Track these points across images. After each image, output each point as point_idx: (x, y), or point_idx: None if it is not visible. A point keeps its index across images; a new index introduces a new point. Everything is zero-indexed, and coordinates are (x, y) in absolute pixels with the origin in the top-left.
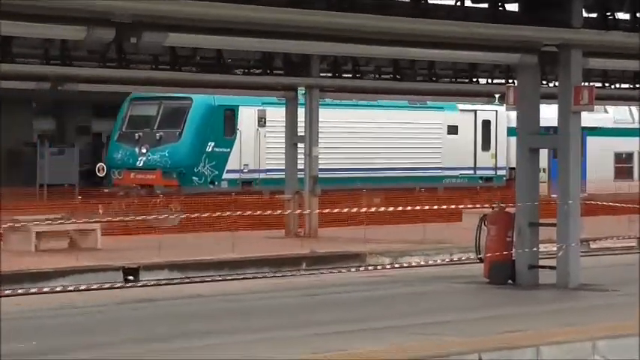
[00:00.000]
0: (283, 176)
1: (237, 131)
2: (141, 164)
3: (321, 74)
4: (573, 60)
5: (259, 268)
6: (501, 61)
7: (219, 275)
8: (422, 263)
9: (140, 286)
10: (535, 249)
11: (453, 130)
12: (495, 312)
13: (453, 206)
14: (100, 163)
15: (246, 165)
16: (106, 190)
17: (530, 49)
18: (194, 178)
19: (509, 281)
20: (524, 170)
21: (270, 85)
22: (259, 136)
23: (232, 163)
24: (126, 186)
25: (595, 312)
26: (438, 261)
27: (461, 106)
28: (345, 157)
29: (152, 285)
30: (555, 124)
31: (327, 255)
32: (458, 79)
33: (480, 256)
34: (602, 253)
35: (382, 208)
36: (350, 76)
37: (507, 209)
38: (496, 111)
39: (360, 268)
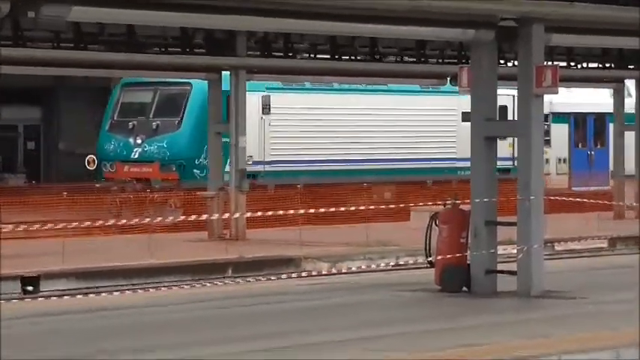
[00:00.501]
0: (290, 168)
1: None
2: (136, 156)
3: (249, 53)
4: (535, 36)
5: (180, 275)
6: (453, 37)
7: (132, 284)
8: (364, 268)
9: (40, 298)
10: (493, 251)
11: (468, 117)
12: (448, 324)
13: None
14: (90, 155)
15: (250, 157)
16: (97, 185)
17: (486, 24)
18: (195, 170)
19: (464, 288)
20: (479, 162)
21: (191, 66)
22: (264, 124)
23: None
24: (120, 180)
25: (562, 322)
26: (383, 265)
27: None
28: (347, 147)
29: (54, 296)
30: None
31: (256, 260)
32: (404, 59)
33: (430, 259)
34: (569, 256)
35: (322, 209)
36: (281, 55)
37: (461, 206)
38: (513, 95)
39: (294, 275)
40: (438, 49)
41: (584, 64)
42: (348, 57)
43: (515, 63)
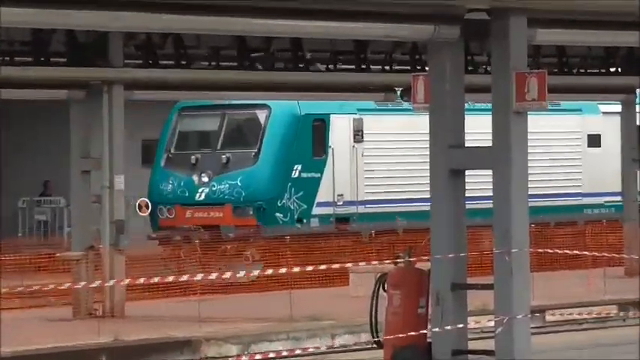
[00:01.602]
0: (387, 210)
1: (329, 149)
2: (202, 198)
3: (127, 62)
4: (513, 31)
5: None
6: (405, 36)
7: None
8: (285, 354)
9: None
10: (462, 325)
11: (594, 140)
12: None
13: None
14: (142, 199)
15: (341, 196)
16: (153, 236)
17: (448, 17)
18: (278, 214)
19: None
20: (441, 202)
21: (47, 80)
22: (356, 155)
23: (324, 194)
24: (181, 227)
25: None
26: (311, 349)
27: (603, 108)
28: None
29: None
30: None
31: (139, 345)
32: (337, 67)
33: (377, 338)
34: (565, 329)
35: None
36: (172, 64)
37: (417, 264)
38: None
39: None
40: (382, 52)
41: (582, 70)
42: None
43: (489, 69)
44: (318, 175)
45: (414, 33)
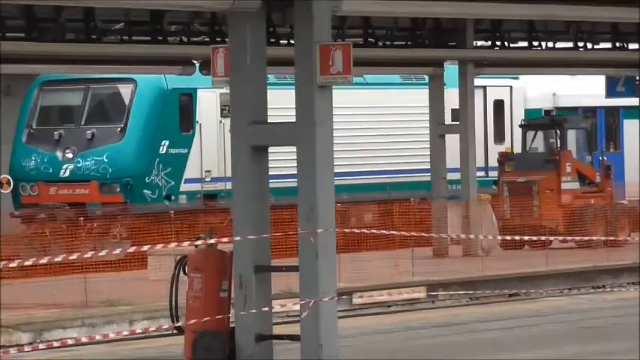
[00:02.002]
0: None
1: (197, 124)
2: (66, 174)
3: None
4: (317, 1)
5: None
6: (203, 5)
7: None
8: (84, 340)
9: None
10: (266, 309)
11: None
12: None
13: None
14: (4, 175)
15: (209, 172)
16: (15, 213)
17: None
18: (146, 191)
19: None
20: (244, 181)
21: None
22: (223, 130)
23: (191, 170)
24: (45, 205)
25: None
26: (111, 335)
27: None
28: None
29: None
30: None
31: None
32: (132, 39)
33: (178, 324)
34: (373, 312)
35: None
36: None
37: (219, 246)
38: (510, 86)
39: None
40: (179, 23)
41: (389, 43)
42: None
43: (292, 42)
44: (186, 150)
45: (213, 3)
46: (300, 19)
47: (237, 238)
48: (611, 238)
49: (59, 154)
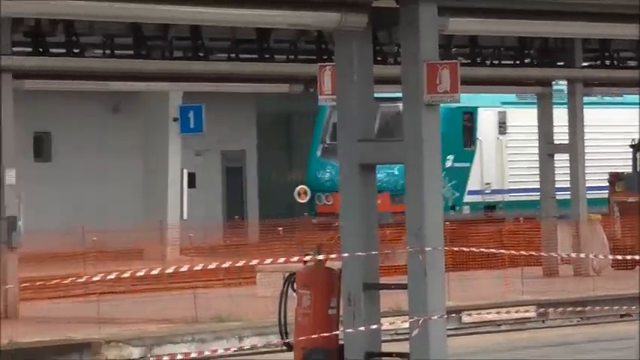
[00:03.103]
0: (530, 198)
1: (477, 141)
2: None
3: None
4: (423, 19)
5: None
6: (310, 24)
7: None
8: (193, 355)
9: None
10: (375, 326)
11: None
12: None
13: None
14: (301, 186)
15: (488, 184)
16: (314, 221)
17: (355, 5)
18: None
19: None
20: (351, 199)
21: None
22: (501, 146)
23: (473, 182)
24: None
25: None
26: (220, 350)
27: None
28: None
29: None
30: None
31: (33, 347)
32: (239, 57)
33: (287, 340)
34: (482, 331)
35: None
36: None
37: (328, 263)
38: None
39: None
40: (285, 41)
41: (495, 61)
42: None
43: (399, 60)
44: (468, 164)
45: (320, 20)
46: (407, 37)
47: (346, 255)
48: None
49: None
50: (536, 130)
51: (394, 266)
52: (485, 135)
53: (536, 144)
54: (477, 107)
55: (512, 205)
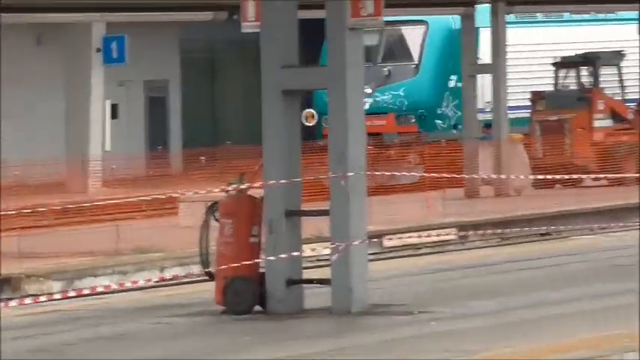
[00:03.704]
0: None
1: (478, 60)
2: (366, 107)
3: None
4: None
5: None
6: None
7: None
8: (114, 287)
9: None
10: (296, 253)
11: None
12: None
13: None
14: (309, 110)
15: (488, 103)
16: (320, 143)
17: None
18: (437, 121)
19: (257, 307)
20: (274, 126)
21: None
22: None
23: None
24: None
25: (395, 349)
26: (142, 282)
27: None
28: None
29: None
30: None
31: None
32: None
33: (208, 269)
34: (403, 255)
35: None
36: None
37: (250, 192)
38: None
39: (12, 302)
40: None
41: None
42: None
43: None
44: None
45: None
46: None
47: (268, 182)
48: None
49: None
50: (538, 49)
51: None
52: (485, 54)
53: (535, 62)
54: (479, 28)
55: (509, 122)
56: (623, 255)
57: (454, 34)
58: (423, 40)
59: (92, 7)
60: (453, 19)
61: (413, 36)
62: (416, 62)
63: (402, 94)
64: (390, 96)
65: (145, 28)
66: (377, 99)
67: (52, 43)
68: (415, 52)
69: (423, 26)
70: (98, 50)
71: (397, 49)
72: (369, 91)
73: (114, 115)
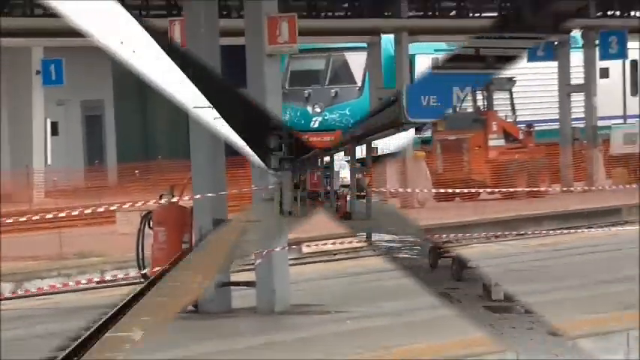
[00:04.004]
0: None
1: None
2: (316, 125)
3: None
4: None
5: None
6: None
7: None
8: (60, 287)
9: None
10: None
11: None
12: (165, 354)
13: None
14: None
15: None
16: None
17: None
18: None
19: (189, 307)
20: (201, 144)
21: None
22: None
23: None
24: None
25: (313, 345)
26: (84, 283)
27: None
28: None
29: None
30: None
31: None
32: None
33: (144, 271)
34: (320, 260)
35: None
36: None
37: (181, 202)
38: None
39: None
40: None
41: (330, 13)
42: None
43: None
44: None
45: None
46: None
47: (197, 195)
48: (534, 189)
49: (309, 108)
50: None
51: None
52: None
53: None
54: (415, 54)
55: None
56: (516, 261)
57: (393, 60)
58: (366, 65)
59: (31, 32)
60: (392, 46)
61: (356, 61)
62: (359, 85)
63: (347, 112)
64: (338, 115)
65: (81, 52)
66: (326, 117)
67: None
68: (358, 76)
69: (364, 52)
70: (38, 72)
71: (342, 73)
72: (318, 110)
73: (54, 132)
